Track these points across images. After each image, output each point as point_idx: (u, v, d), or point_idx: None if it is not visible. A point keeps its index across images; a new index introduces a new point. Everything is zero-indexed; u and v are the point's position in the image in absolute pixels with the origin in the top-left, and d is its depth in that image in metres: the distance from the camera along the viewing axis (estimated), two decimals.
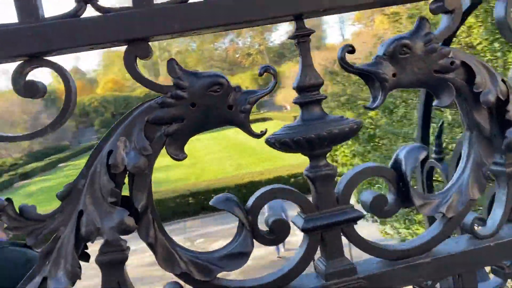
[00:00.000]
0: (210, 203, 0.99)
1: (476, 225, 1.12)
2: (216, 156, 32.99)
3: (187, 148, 0.97)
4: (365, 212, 1.07)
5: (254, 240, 0.99)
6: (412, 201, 1.03)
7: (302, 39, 0.99)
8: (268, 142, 1.00)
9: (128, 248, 0.96)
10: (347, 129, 0.98)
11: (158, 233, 0.96)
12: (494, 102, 1.04)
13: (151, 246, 0.95)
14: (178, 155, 0.95)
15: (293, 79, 1.03)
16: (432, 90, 1.05)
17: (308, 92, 1.00)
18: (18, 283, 0.92)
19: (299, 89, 1.00)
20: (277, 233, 1.00)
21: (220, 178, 22.57)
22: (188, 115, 0.93)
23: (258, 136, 0.97)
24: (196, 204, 18.94)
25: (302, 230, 1.01)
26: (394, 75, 1.01)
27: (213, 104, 0.94)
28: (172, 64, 0.93)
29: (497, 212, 1.11)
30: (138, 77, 0.92)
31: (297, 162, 22.24)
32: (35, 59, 0.88)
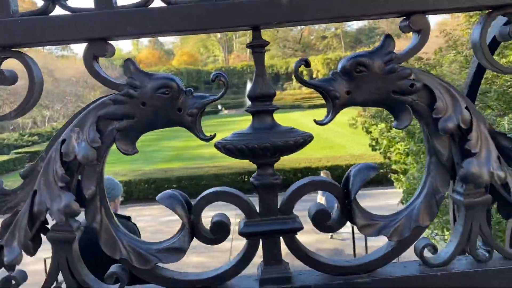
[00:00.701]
0: (156, 198, 1.05)
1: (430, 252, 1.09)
2: None
3: None
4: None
5: None
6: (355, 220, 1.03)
7: (257, 50, 1.01)
8: (216, 146, 1.03)
9: (79, 228, 1.05)
10: (291, 142, 0.99)
11: (105, 220, 1.03)
12: (454, 130, 1.00)
13: (96, 231, 1.03)
14: (128, 150, 1.01)
15: None
16: (390, 110, 1.02)
17: (260, 101, 1.02)
18: None
19: (251, 98, 1.02)
20: (216, 234, 1.04)
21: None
22: (139, 114, 0.99)
23: (206, 140, 1.01)
24: (250, 183, 19.19)
25: (240, 234, 1.04)
26: (348, 92, 1.00)
27: (162, 105, 0.99)
28: (127, 64, 0.99)
29: (452, 243, 1.08)
30: (94, 74, 0.99)
31: (359, 153, 21.80)
32: (5, 50, 0.97)
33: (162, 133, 38.99)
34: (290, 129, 1.02)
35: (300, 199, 1.04)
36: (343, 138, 28.92)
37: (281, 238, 1.05)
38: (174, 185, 19.01)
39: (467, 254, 1.11)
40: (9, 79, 0.98)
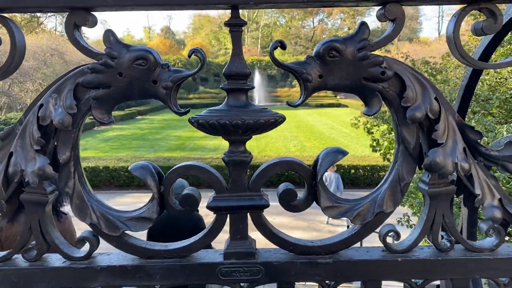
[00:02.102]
0: (129, 168, 1.08)
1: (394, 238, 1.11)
2: (283, 133, 33.02)
3: None
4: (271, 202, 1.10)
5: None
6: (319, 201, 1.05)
7: (234, 29, 1.03)
8: (189, 121, 1.06)
9: (53, 192, 1.08)
10: (262, 121, 1.02)
11: (77, 185, 1.06)
12: (422, 119, 1.02)
13: (68, 195, 1.06)
14: (103, 119, 1.04)
15: None
16: (361, 97, 1.05)
17: (235, 80, 1.04)
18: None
19: (227, 76, 1.05)
20: (184, 206, 1.07)
21: (280, 156, 22.70)
22: (115, 83, 1.02)
23: (180, 114, 1.04)
24: (250, 177, 19.19)
25: (207, 207, 1.07)
26: (320, 76, 1.02)
27: (138, 77, 1.01)
28: (107, 34, 1.01)
29: (416, 231, 1.10)
30: (74, 42, 1.02)
31: (362, 154, 21.74)
32: None
33: (168, 122, 39.04)
34: (262, 109, 1.04)
35: None
36: (347, 138, 28.92)
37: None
38: None
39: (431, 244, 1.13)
40: None
